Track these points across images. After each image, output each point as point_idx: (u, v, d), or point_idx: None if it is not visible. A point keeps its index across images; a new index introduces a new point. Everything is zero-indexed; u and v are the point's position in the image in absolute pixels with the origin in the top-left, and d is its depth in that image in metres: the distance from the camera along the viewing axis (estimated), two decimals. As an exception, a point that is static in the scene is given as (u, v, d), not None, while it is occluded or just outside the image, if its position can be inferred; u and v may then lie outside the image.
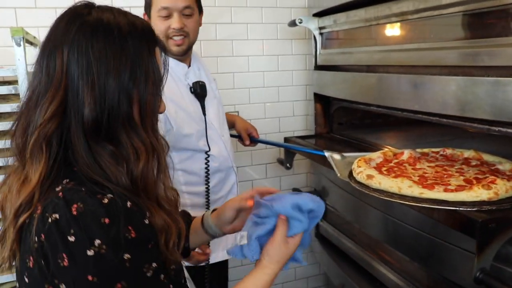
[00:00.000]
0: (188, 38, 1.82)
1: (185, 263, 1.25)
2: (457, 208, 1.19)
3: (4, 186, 0.93)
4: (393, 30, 1.86)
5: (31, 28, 2.09)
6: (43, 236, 0.80)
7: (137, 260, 0.82)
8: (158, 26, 1.75)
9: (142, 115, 0.91)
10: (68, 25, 0.88)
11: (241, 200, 1.21)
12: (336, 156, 1.80)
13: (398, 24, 1.81)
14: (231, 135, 2.29)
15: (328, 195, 2.39)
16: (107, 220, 0.80)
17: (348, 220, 2.21)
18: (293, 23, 2.36)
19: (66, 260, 0.79)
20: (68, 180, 0.85)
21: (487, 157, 1.55)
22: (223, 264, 2.04)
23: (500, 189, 1.23)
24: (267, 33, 2.65)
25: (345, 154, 1.82)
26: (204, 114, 1.86)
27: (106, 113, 0.86)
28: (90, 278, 0.79)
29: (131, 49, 0.88)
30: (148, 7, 1.82)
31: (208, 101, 1.90)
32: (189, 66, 1.90)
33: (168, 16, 1.76)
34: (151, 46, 0.93)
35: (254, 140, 2.26)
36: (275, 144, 2.41)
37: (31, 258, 0.83)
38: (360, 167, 1.49)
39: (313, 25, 2.36)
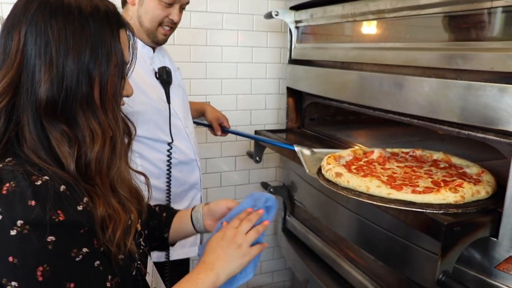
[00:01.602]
0: (174, 30, 1.79)
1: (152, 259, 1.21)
2: (424, 210, 1.19)
3: None
4: (369, 27, 1.85)
5: (-5, 3, 2.00)
6: None
7: (62, 243, 0.81)
8: (156, 11, 1.69)
9: (103, 97, 0.90)
10: (27, 5, 0.87)
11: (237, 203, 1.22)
12: (306, 152, 1.79)
13: (375, 22, 1.80)
14: (202, 124, 2.25)
15: (297, 191, 2.38)
16: (33, 202, 0.79)
17: (316, 217, 2.20)
18: (269, 15, 2.33)
19: None
20: (10, 159, 0.85)
21: (455, 160, 1.56)
22: (184, 262, 2.00)
23: (466, 192, 1.23)
24: (243, 24, 2.61)
25: (315, 150, 1.81)
26: (169, 102, 1.79)
27: (63, 94, 0.85)
28: (11, 259, 0.77)
29: (92, 30, 0.87)
30: None
31: (173, 89, 1.82)
32: (153, 51, 1.83)
33: (170, 5, 1.70)
34: (115, 29, 0.91)
35: (225, 131, 2.22)
36: (246, 136, 2.38)
37: None
38: (329, 164, 1.47)
39: (289, 18, 2.33)
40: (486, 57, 1.24)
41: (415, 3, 1.48)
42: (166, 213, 1.31)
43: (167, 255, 1.82)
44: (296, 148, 1.81)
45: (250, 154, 2.52)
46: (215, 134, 2.22)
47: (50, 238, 0.79)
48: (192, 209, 1.30)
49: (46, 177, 0.82)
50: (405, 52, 1.57)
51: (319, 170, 1.53)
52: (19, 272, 0.78)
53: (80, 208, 0.84)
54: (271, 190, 2.50)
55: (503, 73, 1.19)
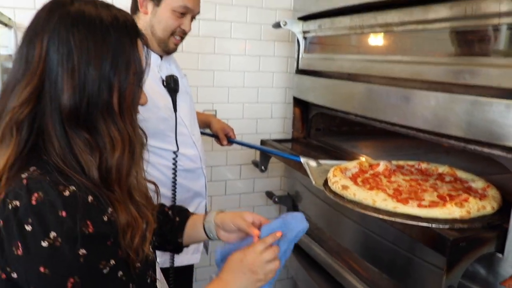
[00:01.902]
0: (183, 39, 1.81)
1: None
2: (430, 225, 1.19)
3: None
4: (377, 40, 1.86)
5: (7, 8, 2.03)
6: (1, 222, 0.80)
7: (92, 256, 0.82)
8: (169, 21, 1.71)
9: (122, 105, 0.91)
10: (49, 15, 0.88)
11: (249, 226, 1.17)
12: (312, 163, 1.79)
13: (382, 34, 1.81)
14: (208, 134, 2.26)
15: (301, 200, 2.38)
16: (64, 213, 0.79)
17: (320, 227, 2.20)
18: (277, 25, 2.35)
19: (20, 249, 0.79)
20: (35, 168, 0.84)
21: (460, 174, 1.56)
22: (188, 268, 2.00)
23: (472, 208, 1.24)
24: (251, 33, 2.63)
25: (321, 162, 1.81)
26: (175, 110, 1.79)
27: (85, 101, 0.86)
28: (42, 269, 0.79)
29: (113, 39, 0.89)
30: None
31: (180, 96, 1.83)
32: (161, 59, 1.84)
33: (182, 15, 1.72)
34: (133, 38, 0.94)
35: (231, 141, 2.23)
36: (252, 147, 2.38)
37: None
38: (335, 176, 1.48)
39: (297, 28, 2.35)
40: (494, 73, 1.24)
41: (422, 17, 1.49)
42: (179, 217, 1.32)
43: (172, 261, 1.83)
44: (302, 160, 1.82)
45: (255, 163, 2.52)
46: (221, 144, 2.23)
47: (82, 251, 0.80)
48: (204, 217, 1.29)
49: (73, 187, 0.83)
50: (412, 65, 1.57)
51: (325, 182, 1.54)
52: (50, 282, 0.79)
53: (105, 218, 0.85)
54: (276, 199, 2.51)
55: (510, 90, 1.19)
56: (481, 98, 1.26)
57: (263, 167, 2.37)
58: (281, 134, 2.79)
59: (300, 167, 1.83)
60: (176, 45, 1.79)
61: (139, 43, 0.96)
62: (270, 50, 2.70)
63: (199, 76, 2.52)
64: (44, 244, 0.78)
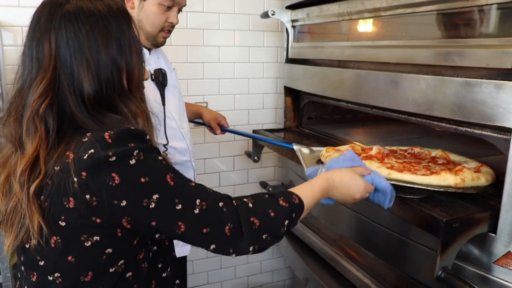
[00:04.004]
0: (171, 32, 1.80)
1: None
2: (425, 188, 1.21)
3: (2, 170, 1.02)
4: (365, 26, 1.86)
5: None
6: (84, 173, 0.89)
7: (165, 160, 1.00)
8: (157, 15, 1.69)
9: (130, 83, 1.03)
10: (51, 15, 0.97)
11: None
12: (305, 150, 1.79)
13: (371, 20, 1.80)
14: (201, 123, 2.25)
15: (295, 189, 2.38)
16: (135, 136, 0.95)
17: (314, 215, 2.21)
18: (265, 15, 2.33)
19: (115, 178, 0.90)
20: (91, 133, 0.95)
21: (453, 157, 1.57)
22: (182, 260, 2.01)
23: (466, 176, 1.25)
24: (239, 24, 2.61)
25: (314, 148, 1.81)
26: (164, 104, 1.79)
27: (104, 86, 0.98)
28: (143, 180, 0.92)
29: (113, 25, 1.00)
30: None
31: (168, 90, 1.82)
32: (149, 53, 1.83)
33: (169, 8, 1.71)
34: (128, 20, 1.04)
35: (224, 129, 2.22)
36: (245, 135, 2.38)
37: (71, 199, 0.91)
38: (328, 152, 1.48)
39: (285, 17, 2.34)
40: (482, 54, 1.25)
41: (410, 0, 1.49)
42: None
43: None
44: (295, 147, 1.81)
45: (248, 154, 2.52)
46: (215, 133, 2.22)
47: (160, 157, 0.98)
48: None
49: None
50: (401, 49, 1.58)
51: (318, 161, 1.54)
52: (154, 186, 0.93)
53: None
54: (270, 189, 2.51)
55: (499, 70, 1.20)
56: (470, 79, 1.27)
57: (256, 158, 2.37)
58: (273, 125, 2.78)
59: (293, 156, 1.83)
60: (165, 38, 1.77)
61: (133, 24, 1.06)
62: (260, 40, 2.69)
63: (189, 69, 2.51)
64: (132, 161, 0.91)
